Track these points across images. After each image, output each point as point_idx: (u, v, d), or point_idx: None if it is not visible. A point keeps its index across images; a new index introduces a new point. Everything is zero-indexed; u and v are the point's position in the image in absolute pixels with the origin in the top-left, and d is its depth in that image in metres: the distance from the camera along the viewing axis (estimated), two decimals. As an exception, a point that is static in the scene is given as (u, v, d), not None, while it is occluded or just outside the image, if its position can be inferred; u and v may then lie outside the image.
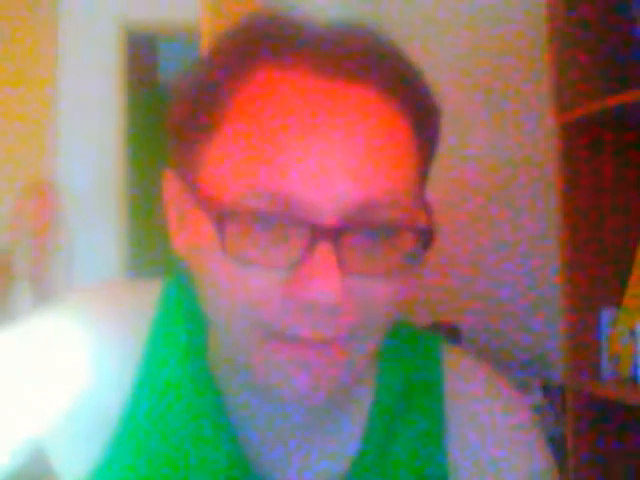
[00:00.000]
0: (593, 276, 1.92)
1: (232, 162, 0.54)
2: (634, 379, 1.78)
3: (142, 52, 4.79)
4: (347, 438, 0.68)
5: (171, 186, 0.63)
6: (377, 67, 0.57)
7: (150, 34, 4.73)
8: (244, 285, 0.54)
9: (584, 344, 1.90)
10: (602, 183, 1.95)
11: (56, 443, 0.68)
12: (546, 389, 1.94)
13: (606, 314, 1.90)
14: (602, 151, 1.95)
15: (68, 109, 4.24)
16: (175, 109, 0.61)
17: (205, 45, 2.63)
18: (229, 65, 0.57)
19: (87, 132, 4.24)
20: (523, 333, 2.42)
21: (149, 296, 0.71)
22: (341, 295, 0.52)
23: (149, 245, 4.52)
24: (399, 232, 0.56)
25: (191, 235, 0.59)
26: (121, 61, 4.36)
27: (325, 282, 0.51)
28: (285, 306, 0.54)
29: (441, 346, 0.74)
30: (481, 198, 2.54)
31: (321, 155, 0.52)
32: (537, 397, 1.99)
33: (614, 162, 1.96)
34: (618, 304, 1.90)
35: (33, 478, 0.74)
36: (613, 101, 1.77)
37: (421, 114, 0.60)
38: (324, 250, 0.52)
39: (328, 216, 0.52)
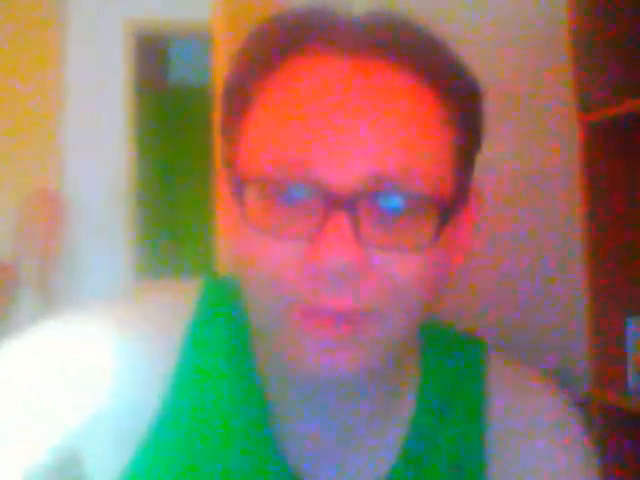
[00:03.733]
0: (619, 285, 1.91)
1: (257, 139, 0.59)
2: (662, 391, 1.77)
3: (151, 54, 4.83)
4: (388, 440, 0.69)
5: (223, 177, 0.67)
6: (401, 46, 0.59)
7: (159, 35, 4.78)
8: (266, 255, 0.57)
9: (610, 355, 1.88)
10: (628, 188, 1.94)
11: (90, 444, 0.68)
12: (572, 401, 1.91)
13: (632, 323, 1.89)
14: (628, 154, 1.94)
15: (75, 113, 4.27)
16: (219, 99, 0.65)
17: (215, 47, 2.62)
18: (262, 56, 0.61)
19: (95, 137, 4.27)
20: (547, 344, 2.39)
21: (188, 295, 0.72)
22: (356, 262, 0.54)
23: (157, 252, 4.55)
24: (418, 206, 0.57)
25: (231, 218, 0.63)
26: (129, 63, 4.39)
27: (338, 248, 0.54)
28: (305, 276, 0.56)
29: (484, 349, 0.75)
30: (504, 206, 2.52)
31: (338, 129, 0.55)
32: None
33: (640, 165, 1.95)
34: (645, 313, 1.89)
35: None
36: (638, 103, 1.76)
37: (454, 91, 0.61)
38: (338, 219, 0.54)
39: (343, 186, 0.55)
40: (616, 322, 1.89)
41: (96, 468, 0.69)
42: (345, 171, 0.55)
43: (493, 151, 2.49)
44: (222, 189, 0.66)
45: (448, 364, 0.72)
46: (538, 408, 0.71)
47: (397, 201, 0.56)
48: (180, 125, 4.80)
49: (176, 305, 0.71)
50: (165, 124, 4.91)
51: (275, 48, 0.61)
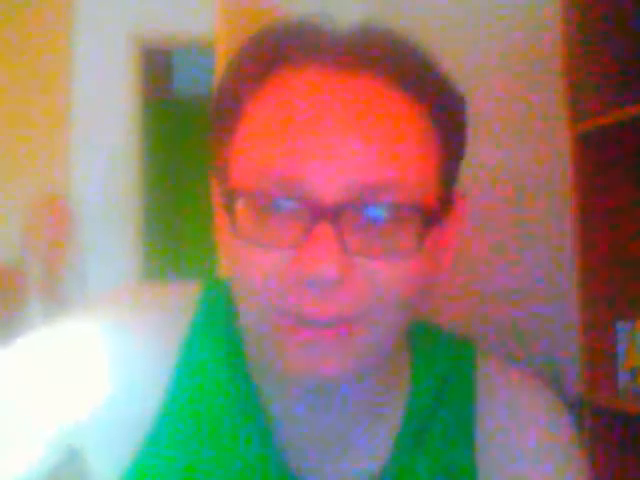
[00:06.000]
0: (609, 288, 1.91)
1: (246, 151, 0.59)
2: (652, 393, 1.76)
3: (157, 65, 4.81)
4: (381, 439, 0.69)
5: (215, 187, 0.68)
6: (386, 61, 0.59)
7: (165, 47, 4.77)
8: (255, 266, 0.58)
9: (600, 357, 1.88)
10: (618, 194, 1.94)
11: (90, 443, 0.69)
12: (562, 402, 1.90)
13: (622, 326, 1.88)
14: (618, 162, 1.94)
15: (82, 122, 4.24)
16: (210, 113, 0.66)
17: (220, 57, 2.63)
18: (248, 70, 0.62)
19: (101, 145, 4.23)
20: (538, 346, 2.37)
21: (187, 297, 0.72)
22: (340, 270, 0.55)
23: (164, 255, 4.51)
24: (402, 215, 0.57)
25: (224, 227, 0.63)
26: (136, 74, 4.37)
27: (323, 257, 0.54)
28: (291, 286, 0.56)
29: (474, 349, 0.74)
30: (495, 209, 2.50)
31: (324, 142, 0.56)
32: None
33: (630, 173, 1.95)
34: (635, 316, 1.88)
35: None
36: (629, 112, 1.76)
37: (437, 103, 0.61)
38: (323, 229, 0.55)
39: (327, 197, 0.55)
40: (606, 325, 1.88)
41: (98, 465, 0.69)
42: (330, 182, 0.55)
43: (486, 158, 2.49)
44: (214, 198, 0.68)
45: (438, 364, 0.72)
46: (528, 408, 0.70)
47: (381, 211, 0.57)
48: (185, 133, 4.73)
49: (175, 308, 0.71)
50: (170, 132, 4.87)
51: (264, 61, 0.61)
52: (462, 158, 0.66)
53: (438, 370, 0.72)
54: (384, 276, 0.57)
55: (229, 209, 0.58)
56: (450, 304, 2.57)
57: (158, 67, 4.91)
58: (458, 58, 2.67)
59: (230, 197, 0.58)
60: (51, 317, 0.73)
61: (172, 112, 4.99)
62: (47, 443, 0.67)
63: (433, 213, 0.59)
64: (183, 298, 0.72)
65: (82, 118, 4.24)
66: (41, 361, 0.68)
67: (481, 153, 2.49)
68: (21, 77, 4.15)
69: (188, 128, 4.70)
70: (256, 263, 0.58)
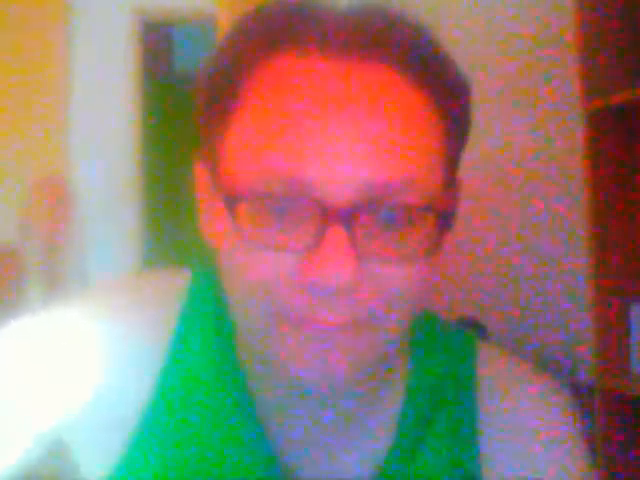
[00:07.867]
0: (622, 270, 1.89)
1: (247, 147, 0.55)
2: (665, 378, 1.75)
3: (157, 41, 4.79)
4: (378, 436, 0.67)
5: (200, 175, 0.64)
6: (394, 47, 0.55)
7: (165, 23, 4.73)
8: (258, 270, 0.54)
9: (613, 341, 1.86)
10: (632, 173, 1.91)
11: (77, 437, 0.67)
12: (574, 388, 1.89)
13: (636, 309, 1.86)
14: (631, 140, 1.92)
15: (81, 100, 4.22)
16: (196, 97, 0.61)
17: (221, 33, 2.60)
18: (245, 52, 0.57)
19: (101, 123, 4.22)
20: (550, 330, 2.38)
21: (175, 287, 0.70)
22: (354, 277, 0.52)
23: (164, 239, 4.51)
24: (417, 216, 0.55)
25: (215, 222, 0.60)
26: (136, 50, 4.34)
27: (337, 264, 0.51)
28: (299, 291, 0.54)
29: (474, 341, 0.72)
30: (508, 192, 2.51)
31: (333, 137, 0.52)
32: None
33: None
34: (649, 299, 1.86)
35: (52, 473, 0.72)
36: None
37: (446, 95, 0.58)
38: (336, 233, 0.52)
39: (340, 199, 0.52)
40: (619, 309, 1.87)
41: (85, 458, 0.68)
42: (343, 182, 0.52)
43: (496, 142, 2.48)
44: (199, 187, 0.64)
45: (438, 355, 0.70)
46: (530, 397, 0.69)
47: (395, 212, 0.54)
48: (186, 110, 4.73)
49: (165, 298, 0.70)
50: (171, 109, 4.85)
51: (263, 41, 0.57)
52: (464, 147, 0.63)
53: (436, 363, 0.70)
54: (396, 279, 0.55)
55: (230, 212, 0.55)
56: (463, 291, 2.59)
57: (158, 42, 4.89)
58: (466, 35, 2.67)
59: (231, 200, 0.54)
60: (50, 298, 0.70)
61: (172, 87, 4.97)
62: (35, 435, 0.65)
63: (448, 212, 0.57)
64: (170, 288, 0.71)
65: (82, 95, 4.22)
66: (30, 352, 0.67)
67: (491, 138, 2.53)
68: (21, 54, 4.11)
69: (189, 103, 4.67)
70: (260, 266, 0.54)
